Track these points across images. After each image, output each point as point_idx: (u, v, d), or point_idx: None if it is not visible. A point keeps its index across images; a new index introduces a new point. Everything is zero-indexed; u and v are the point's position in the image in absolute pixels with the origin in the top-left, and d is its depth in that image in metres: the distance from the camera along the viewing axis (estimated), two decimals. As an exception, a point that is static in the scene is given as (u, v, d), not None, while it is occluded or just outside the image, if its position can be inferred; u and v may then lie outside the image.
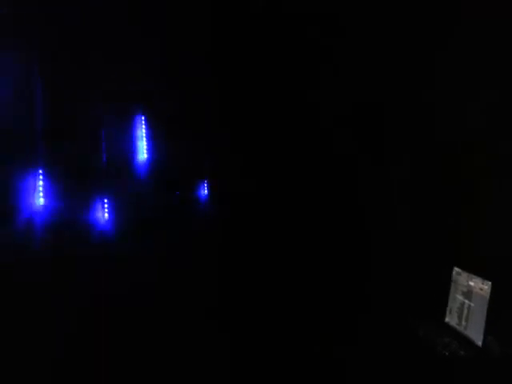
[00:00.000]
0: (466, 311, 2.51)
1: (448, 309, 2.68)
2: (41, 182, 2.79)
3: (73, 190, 2.89)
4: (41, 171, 2.78)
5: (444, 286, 2.71)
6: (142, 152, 3.16)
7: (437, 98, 2.91)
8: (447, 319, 2.68)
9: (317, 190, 3.38)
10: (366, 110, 3.25)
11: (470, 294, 2.50)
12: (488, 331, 2.32)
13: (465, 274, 2.57)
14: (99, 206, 3.00)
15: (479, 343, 2.36)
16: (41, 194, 2.79)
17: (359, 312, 3.24)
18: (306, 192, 3.38)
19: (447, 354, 2.47)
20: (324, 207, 3.39)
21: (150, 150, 3.18)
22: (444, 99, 2.84)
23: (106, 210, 3.03)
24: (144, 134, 3.16)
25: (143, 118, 3.16)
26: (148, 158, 3.18)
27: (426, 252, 2.96)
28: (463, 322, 2.52)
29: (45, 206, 2.79)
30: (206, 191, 3.40)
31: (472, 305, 2.47)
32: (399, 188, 3.25)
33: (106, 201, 3.02)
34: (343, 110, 3.28)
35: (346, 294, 3.31)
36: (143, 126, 3.16)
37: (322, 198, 3.38)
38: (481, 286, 2.41)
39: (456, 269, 2.65)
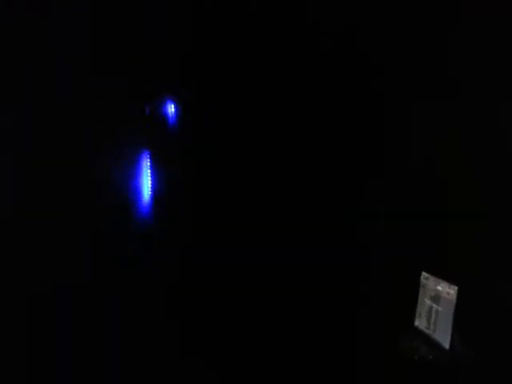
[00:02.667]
0: (434, 315, 2.57)
1: (417, 313, 2.73)
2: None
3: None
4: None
5: (413, 290, 2.76)
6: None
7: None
8: (416, 323, 2.73)
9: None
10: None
11: (437, 299, 2.55)
12: (455, 334, 2.38)
13: (432, 279, 2.62)
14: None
15: (447, 346, 2.41)
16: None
17: (330, 318, 3.27)
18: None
19: (416, 357, 2.52)
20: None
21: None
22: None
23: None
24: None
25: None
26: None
27: (394, 257, 3.01)
28: (431, 326, 2.58)
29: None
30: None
31: (440, 309, 2.52)
32: (371, 194, 3.30)
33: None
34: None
35: (315, 296, 3.32)
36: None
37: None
38: (448, 291, 2.46)
39: (424, 273, 2.71)
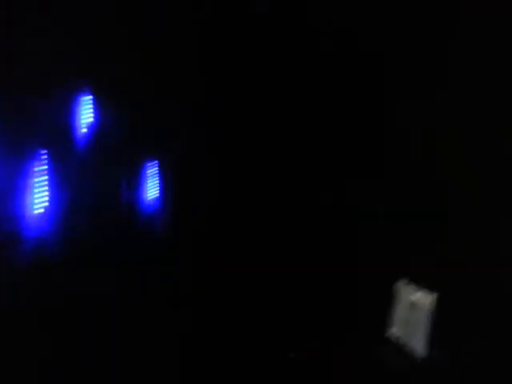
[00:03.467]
0: (409, 323, 2.58)
1: (392, 321, 2.74)
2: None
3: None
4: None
5: (389, 298, 2.77)
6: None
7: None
8: (391, 331, 2.74)
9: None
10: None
11: (413, 307, 2.57)
12: (431, 343, 2.40)
13: (408, 287, 2.64)
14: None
15: (423, 354, 2.42)
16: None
17: (304, 325, 3.26)
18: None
19: (391, 365, 2.53)
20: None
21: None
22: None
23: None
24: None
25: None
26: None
27: (370, 264, 3.02)
28: (407, 334, 2.59)
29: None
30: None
31: (415, 317, 2.54)
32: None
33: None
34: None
35: (293, 301, 3.30)
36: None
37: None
38: (424, 299, 2.48)
39: (400, 281, 2.72)
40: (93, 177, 2.63)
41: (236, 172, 3.34)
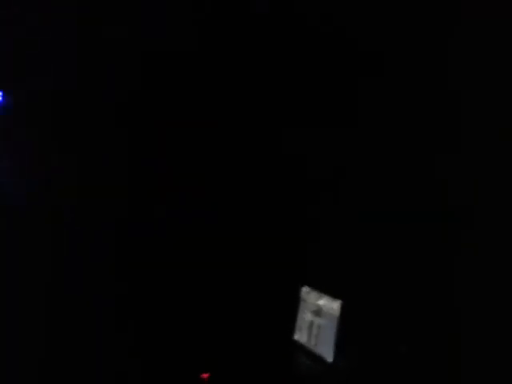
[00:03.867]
0: (315, 329, 2.60)
1: (297, 326, 2.75)
2: None
3: None
4: None
5: (293, 304, 2.77)
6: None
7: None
8: (296, 337, 2.74)
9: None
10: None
11: (319, 312, 2.59)
12: (338, 349, 2.43)
13: (314, 293, 2.66)
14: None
15: (329, 360, 2.45)
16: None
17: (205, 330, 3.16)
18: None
19: (299, 371, 2.53)
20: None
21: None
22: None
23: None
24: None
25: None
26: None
27: (273, 270, 3.01)
28: (313, 340, 2.60)
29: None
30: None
31: (322, 323, 2.56)
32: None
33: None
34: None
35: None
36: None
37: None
38: (330, 305, 2.51)
39: (305, 287, 2.73)
40: None
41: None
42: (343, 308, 2.43)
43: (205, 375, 2.88)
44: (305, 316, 2.69)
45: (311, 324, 2.63)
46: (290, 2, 2.90)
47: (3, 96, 2.74)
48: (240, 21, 3.01)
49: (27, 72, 2.83)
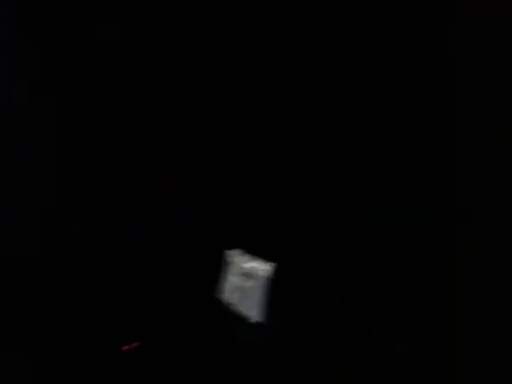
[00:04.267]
0: (243, 291, 2.55)
1: (224, 289, 2.68)
2: None
3: None
4: None
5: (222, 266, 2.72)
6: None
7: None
8: (224, 299, 2.63)
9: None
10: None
11: (248, 275, 2.54)
12: (266, 310, 2.39)
13: (242, 255, 2.61)
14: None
15: (256, 320, 2.41)
16: None
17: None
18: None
19: (224, 332, 2.45)
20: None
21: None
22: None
23: None
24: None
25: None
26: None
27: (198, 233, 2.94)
28: (240, 302, 2.53)
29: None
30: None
31: (250, 285, 2.50)
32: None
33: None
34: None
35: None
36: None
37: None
38: (258, 267, 2.46)
39: (233, 250, 2.65)
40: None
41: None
42: (272, 271, 2.36)
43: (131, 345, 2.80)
44: (233, 278, 2.63)
45: (239, 286, 2.58)
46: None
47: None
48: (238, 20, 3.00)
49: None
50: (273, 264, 2.37)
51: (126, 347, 2.78)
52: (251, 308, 2.43)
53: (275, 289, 2.35)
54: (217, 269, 2.68)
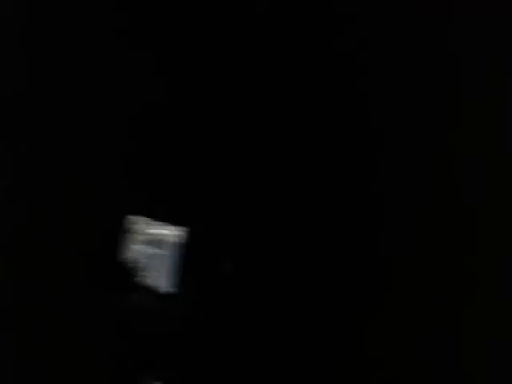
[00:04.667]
0: (150, 260, 2.32)
1: (129, 260, 2.37)
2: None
3: None
4: None
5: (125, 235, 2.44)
6: None
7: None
8: (130, 271, 2.37)
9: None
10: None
11: (156, 243, 2.32)
12: (177, 279, 2.21)
13: (148, 222, 2.35)
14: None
15: (168, 291, 2.22)
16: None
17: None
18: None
19: (131, 304, 2.27)
20: None
21: None
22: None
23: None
24: None
25: None
26: None
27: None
28: (149, 273, 2.31)
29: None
30: None
31: (158, 253, 2.30)
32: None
33: None
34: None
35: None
36: None
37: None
38: (168, 234, 2.27)
39: (136, 216, 2.38)
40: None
41: None
42: (183, 237, 2.20)
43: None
44: (139, 247, 2.37)
45: (144, 255, 2.34)
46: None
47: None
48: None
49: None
50: (184, 229, 2.16)
51: None
52: (160, 278, 2.19)
53: (187, 257, 2.16)
54: (119, 237, 2.37)
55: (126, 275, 2.35)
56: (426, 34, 1.86)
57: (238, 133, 2.37)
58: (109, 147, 2.59)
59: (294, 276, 1.77)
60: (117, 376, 2.27)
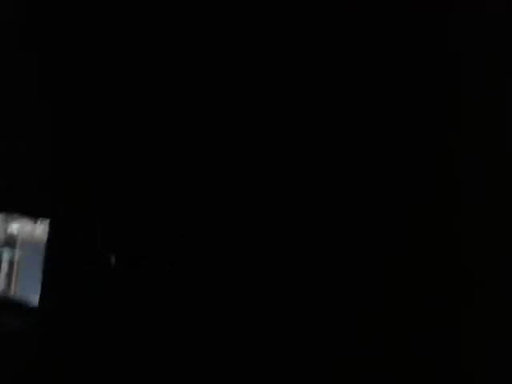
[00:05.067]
0: (9, 267, 1.77)
1: None
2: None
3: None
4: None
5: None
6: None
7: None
8: None
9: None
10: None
11: (13, 243, 1.76)
12: (47, 285, 1.73)
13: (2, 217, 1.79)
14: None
15: (36, 303, 1.72)
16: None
17: None
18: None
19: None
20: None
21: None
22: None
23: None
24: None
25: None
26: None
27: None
28: (12, 285, 1.78)
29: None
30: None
31: (19, 255, 1.75)
32: None
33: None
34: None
35: None
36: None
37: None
38: (30, 229, 1.75)
39: None
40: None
41: None
42: (47, 232, 1.70)
43: None
44: None
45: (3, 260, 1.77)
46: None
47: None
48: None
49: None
50: (46, 222, 1.68)
51: None
52: (25, 288, 1.68)
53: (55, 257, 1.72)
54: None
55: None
56: (426, 34, 1.84)
57: (238, 132, 2.38)
58: None
59: (294, 276, 1.75)
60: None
